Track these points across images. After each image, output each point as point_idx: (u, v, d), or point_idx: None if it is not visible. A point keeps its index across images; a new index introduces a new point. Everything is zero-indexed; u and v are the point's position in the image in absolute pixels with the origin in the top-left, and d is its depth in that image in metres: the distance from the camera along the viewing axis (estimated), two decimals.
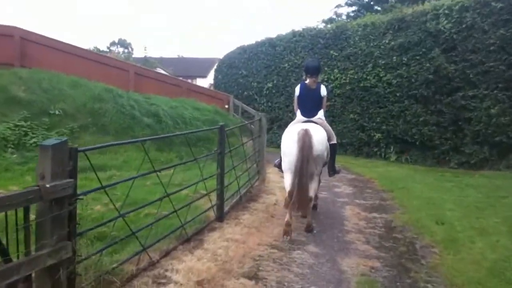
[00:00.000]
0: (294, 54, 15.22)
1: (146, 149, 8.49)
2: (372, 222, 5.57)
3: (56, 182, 2.18)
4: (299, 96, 5.59)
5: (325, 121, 5.66)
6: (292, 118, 6.52)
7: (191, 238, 4.19)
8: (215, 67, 22.81)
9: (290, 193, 4.73)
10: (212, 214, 4.86)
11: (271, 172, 9.46)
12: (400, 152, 11.80)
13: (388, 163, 11.74)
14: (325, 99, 5.65)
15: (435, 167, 10.83)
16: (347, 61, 13.09)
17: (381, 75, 11.96)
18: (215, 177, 4.98)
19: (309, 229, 4.99)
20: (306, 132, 4.73)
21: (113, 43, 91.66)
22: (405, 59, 11.28)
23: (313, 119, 5.40)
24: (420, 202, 6.75)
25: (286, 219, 4.70)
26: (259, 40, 17.74)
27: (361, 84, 12.61)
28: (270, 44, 16.67)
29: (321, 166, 5.26)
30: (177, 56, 59.96)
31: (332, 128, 6.02)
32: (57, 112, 8.11)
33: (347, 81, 13.04)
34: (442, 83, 10.46)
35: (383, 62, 11.91)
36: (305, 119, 5.40)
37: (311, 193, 4.87)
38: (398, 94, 11.53)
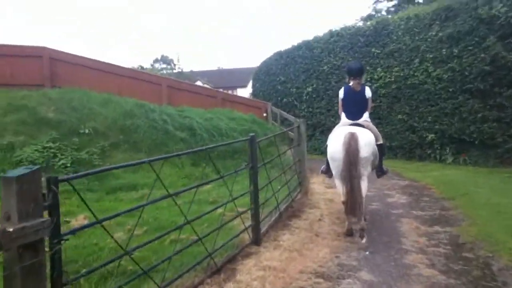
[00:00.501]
0: (333, 56, 14.51)
1: (180, 164, 8.17)
2: (434, 238, 4.80)
3: (25, 224, 1.70)
4: (343, 99, 5.57)
5: (371, 123, 5.63)
6: (334, 122, 6.12)
7: (222, 268, 3.63)
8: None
9: (344, 198, 4.82)
10: (247, 236, 4.29)
11: (315, 182, 8.82)
12: (457, 153, 10.78)
13: (444, 166, 10.75)
14: (370, 101, 5.62)
15: (498, 167, 9.76)
16: (391, 58, 12.24)
17: (430, 70, 11.03)
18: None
19: (362, 234, 4.84)
20: (353, 135, 4.76)
21: (156, 60, 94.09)
22: (456, 51, 10.32)
23: (359, 121, 5.38)
24: (488, 211, 5.88)
25: (346, 228, 4.99)
26: (295, 43, 17.16)
27: (408, 82, 11.71)
28: (307, 47, 16.04)
29: (370, 168, 5.20)
30: (217, 68, 60.70)
31: (379, 131, 5.98)
32: (87, 131, 7.88)
33: (392, 79, 12.18)
34: (501, 74, 9.43)
35: (431, 56, 10.99)
36: (351, 122, 5.39)
37: (363, 195, 4.87)
38: (450, 90, 10.56)
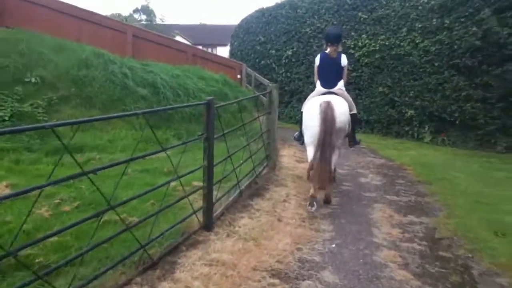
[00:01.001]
0: (317, 17, 13.68)
1: (138, 126, 7.43)
2: (409, 230, 4.32)
3: None
4: (319, 66, 5.50)
5: (345, 92, 5.56)
6: (313, 90, 5.78)
7: (159, 262, 3.04)
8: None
9: (312, 165, 4.82)
10: (196, 220, 3.69)
11: (285, 155, 8.29)
12: (435, 132, 10.38)
13: (421, 145, 10.36)
14: (345, 69, 5.57)
15: (477, 150, 9.42)
16: (378, 25, 11.53)
17: (417, 41, 10.42)
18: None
19: (328, 201, 5.10)
20: (329, 104, 4.75)
21: (136, 10, 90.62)
22: (447, 22, 9.70)
23: (334, 90, 5.35)
24: (467, 200, 5.47)
25: (310, 193, 4.84)
26: (279, 1, 16.16)
27: (393, 52, 11.10)
28: (291, 6, 15.11)
29: (343, 137, 5.25)
30: (198, 24, 58.45)
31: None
32: (33, 80, 6.95)
33: (377, 48, 11.53)
34: (491, 51, 8.91)
35: (420, 25, 10.34)
36: (325, 90, 5.37)
37: (333, 165, 4.97)
38: (436, 64, 10.01)
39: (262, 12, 17.13)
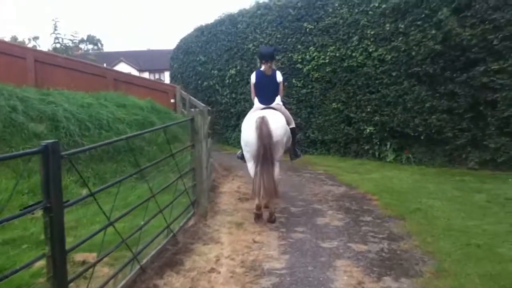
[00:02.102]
0: (259, 31, 12.57)
1: (26, 172, 5.86)
2: None
3: None
4: (255, 84, 5.76)
5: (283, 107, 5.83)
6: None
7: None
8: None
9: (254, 181, 4.98)
10: None
11: (225, 192, 6.94)
12: (399, 150, 9.34)
13: (384, 165, 9.28)
14: (281, 85, 5.81)
15: (447, 167, 8.41)
16: (326, 35, 10.51)
17: (371, 50, 9.43)
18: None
19: (271, 220, 5.15)
20: (263, 119, 4.95)
21: (81, 40, 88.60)
22: (402, 26, 8.76)
23: (272, 105, 5.58)
24: (454, 242, 4.26)
25: (256, 203, 5.09)
26: (218, 17, 15.00)
27: (345, 64, 10.07)
28: (230, 21, 13.97)
29: (282, 151, 5.43)
30: (145, 50, 56.83)
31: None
32: None
33: (327, 60, 10.48)
34: (454, 56, 8.00)
35: (372, 32, 9.38)
36: (263, 106, 5.58)
37: (275, 178, 5.09)
38: (394, 74, 9.02)
39: (201, 31, 15.94)
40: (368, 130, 9.70)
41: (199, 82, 15.88)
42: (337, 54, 10.21)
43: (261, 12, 12.55)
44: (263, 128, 4.91)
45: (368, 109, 9.64)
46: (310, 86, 11.07)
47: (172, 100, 10.97)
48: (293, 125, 5.82)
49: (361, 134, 9.96)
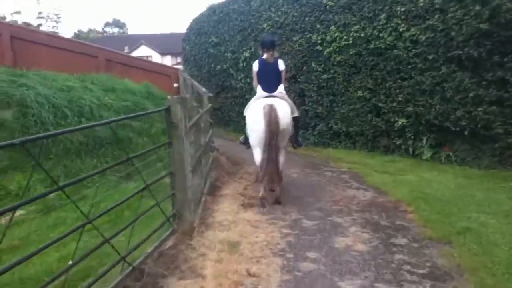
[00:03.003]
0: (274, 10, 11.30)
1: None
2: None
3: None
4: (258, 72, 5.87)
5: (286, 95, 5.97)
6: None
7: None
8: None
9: (261, 167, 5.30)
10: None
11: (227, 195, 6.03)
12: (437, 146, 8.11)
13: (419, 163, 8.09)
14: (283, 73, 5.96)
15: (496, 169, 7.16)
16: (348, 13, 9.20)
17: (401, 30, 8.10)
18: None
19: (278, 201, 5.48)
20: (271, 107, 5.14)
21: (107, 24, 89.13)
22: (439, 2, 7.40)
23: (275, 93, 5.73)
24: None
25: (261, 194, 5.46)
26: None
27: (371, 46, 8.78)
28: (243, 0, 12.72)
29: (287, 139, 5.66)
30: (168, 33, 55.72)
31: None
32: None
33: (350, 42, 9.20)
34: (504, 36, 6.65)
35: (403, 9, 8.03)
36: (267, 94, 5.71)
37: (281, 166, 5.42)
38: (430, 58, 7.71)
39: (213, 10, 14.74)
40: (400, 123, 8.47)
41: (212, 65, 14.78)
42: (362, 35, 8.90)
43: None
44: (272, 115, 5.07)
45: (400, 98, 8.39)
46: (332, 71, 9.84)
47: (175, 85, 9.89)
48: (296, 114, 5.91)
49: (391, 127, 8.74)
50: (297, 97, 10.98)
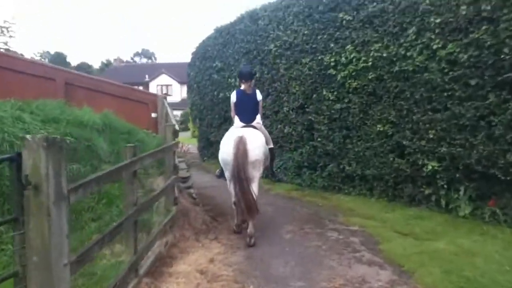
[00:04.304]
0: (283, 28, 9.79)
1: None
2: None
3: None
4: (236, 103, 6.06)
5: (263, 126, 6.24)
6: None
7: None
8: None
9: (236, 201, 5.50)
10: None
11: (180, 273, 4.25)
12: (479, 199, 6.21)
13: (455, 222, 6.19)
14: (261, 103, 6.22)
15: None
16: (369, 28, 7.58)
17: (435, 47, 6.40)
18: None
19: (251, 243, 5.37)
20: (241, 139, 5.31)
21: (136, 54, 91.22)
22: (488, 8, 5.71)
23: (253, 123, 5.92)
24: None
25: (235, 223, 5.94)
26: (239, 15, 12.37)
27: (396, 68, 7.08)
28: (250, 18, 11.31)
29: (261, 170, 5.67)
30: (187, 62, 55.74)
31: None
32: None
33: (369, 63, 7.53)
34: None
35: (437, 20, 6.35)
36: (243, 124, 5.88)
37: (255, 196, 5.36)
38: (473, 83, 5.94)
39: (219, 31, 13.40)
40: (430, 167, 6.62)
41: (215, 93, 13.31)
42: (385, 54, 7.23)
43: (285, 4, 9.78)
44: (240, 147, 5.21)
45: (431, 136, 6.59)
46: (346, 100, 8.15)
47: (153, 115, 8.30)
48: (271, 145, 6.19)
49: (419, 172, 6.89)
50: (305, 130, 9.29)
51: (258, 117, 6.09)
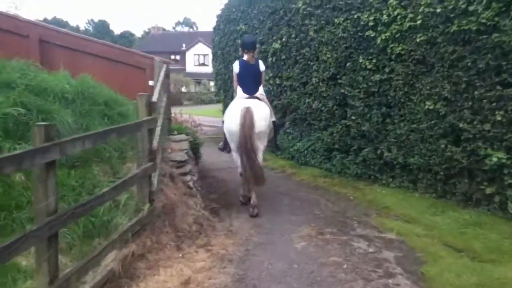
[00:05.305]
0: None
1: None
2: None
3: None
4: (238, 73, 6.04)
5: (265, 97, 6.22)
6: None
7: None
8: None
9: (243, 172, 5.53)
10: None
11: None
12: None
13: None
14: (263, 74, 6.22)
15: None
16: None
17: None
18: None
19: (254, 213, 5.53)
20: (248, 109, 5.39)
21: (178, 23, 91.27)
22: None
23: (256, 94, 5.93)
24: None
25: (241, 194, 6.06)
26: None
27: (453, 27, 5.49)
28: None
29: (266, 141, 5.81)
30: None
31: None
32: None
33: (418, 22, 5.96)
34: None
35: None
36: (247, 95, 5.86)
37: (261, 165, 5.50)
38: None
39: None
40: (495, 158, 5.09)
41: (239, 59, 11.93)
42: (439, 10, 5.62)
43: None
44: (247, 118, 5.31)
45: (498, 117, 5.04)
46: (387, 69, 6.63)
47: (151, 82, 6.94)
48: (274, 118, 6.15)
49: (479, 164, 5.38)
50: (337, 106, 7.84)
51: (261, 88, 6.11)
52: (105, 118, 5.24)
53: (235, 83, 6.22)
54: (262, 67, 6.09)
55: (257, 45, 6.64)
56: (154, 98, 4.69)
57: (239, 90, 6.05)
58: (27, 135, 4.00)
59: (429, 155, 6.11)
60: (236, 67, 6.07)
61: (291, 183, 7.69)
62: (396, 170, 6.82)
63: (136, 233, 3.96)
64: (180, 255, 4.13)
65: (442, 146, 5.86)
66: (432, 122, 6.00)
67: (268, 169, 8.78)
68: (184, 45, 53.52)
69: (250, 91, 5.93)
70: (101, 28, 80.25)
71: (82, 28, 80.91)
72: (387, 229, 5.16)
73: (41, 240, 2.58)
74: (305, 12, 8.44)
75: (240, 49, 6.93)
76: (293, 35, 9.00)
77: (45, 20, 75.69)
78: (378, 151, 7.02)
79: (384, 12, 6.51)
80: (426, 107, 6.01)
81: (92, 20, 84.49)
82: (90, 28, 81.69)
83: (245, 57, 6.05)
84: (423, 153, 6.20)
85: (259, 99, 5.86)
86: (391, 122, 6.74)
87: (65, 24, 76.12)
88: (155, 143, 4.49)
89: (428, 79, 5.99)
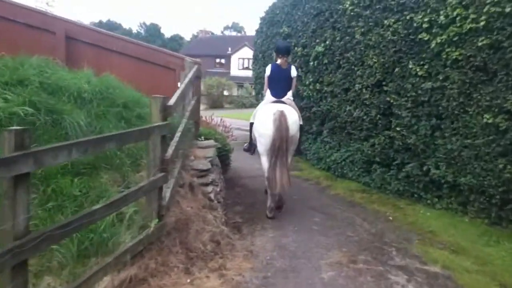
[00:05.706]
0: None
1: None
2: None
3: None
4: (269, 77, 6.03)
5: (293, 102, 6.12)
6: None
7: None
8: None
9: (270, 177, 5.37)
10: None
11: None
12: None
13: None
14: (295, 80, 6.15)
15: None
16: None
17: None
18: None
19: (280, 205, 5.95)
20: (282, 113, 5.40)
21: (226, 27, 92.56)
22: None
23: (283, 99, 5.89)
24: None
25: (268, 205, 5.69)
26: None
27: None
28: None
29: (295, 146, 5.82)
30: None
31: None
32: None
33: (481, 24, 5.27)
34: None
35: None
36: (275, 99, 5.89)
37: (290, 168, 5.60)
38: None
39: None
40: None
41: None
42: (508, 10, 4.93)
43: None
44: (282, 121, 5.32)
45: None
46: (441, 77, 5.95)
47: (179, 84, 6.56)
48: (301, 122, 5.95)
49: None
50: (380, 115, 7.20)
51: (290, 93, 6.10)
52: (122, 121, 4.84)
53: (265, 85, 6.23)
54: (294, 72, 6.08)
55: (292, 49, 6.60)
56: (172, 101, 4.19)
57: (267, 93, 6.10)
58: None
59: (483, 175, 5.39)
60: (268, 70, 6.10)
61: (325, 197, 7.07)
62: (443, 190, 6.10)
63: (139, 253, 3.48)
64: (188, 280, 3.60)
65: (500, 166, 5.13)
66: (490, 138, 5.28)
67: (302, 180, 8.22)
68: (230, 48, 53.71)
69: (279, 95, 5.95)
70: (152, 31, 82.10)
71: (134, 31, 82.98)
72: (431, 260, 4.48)
73: (1, 270, 2.12)
74: (352, 13, 7.86)
75: (274, 53, 6.75)
76: (337, 38, 8.43)
77: (100, 22, 78.16)
78: (424, 167, 6.32)
79: (441, 12, 5.85)
80: (484, 120, 5.30)
81: (144, 23, 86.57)
82: (142, 31, 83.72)
83: (278, 61, 6.07)
84: (476, 172, 5.48)
85: (284, 103, 5.80)
86: (441, 136, 6.04)
87: (118, 27, 78.37)
88: (170, 151, 4.02)
89: (489, 89, 5.29)
